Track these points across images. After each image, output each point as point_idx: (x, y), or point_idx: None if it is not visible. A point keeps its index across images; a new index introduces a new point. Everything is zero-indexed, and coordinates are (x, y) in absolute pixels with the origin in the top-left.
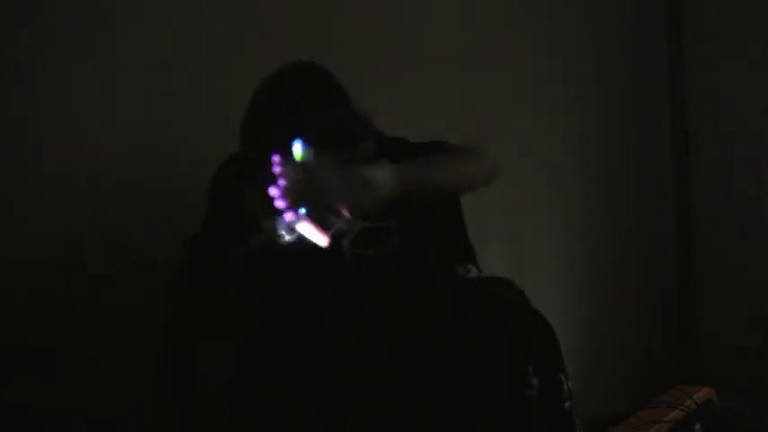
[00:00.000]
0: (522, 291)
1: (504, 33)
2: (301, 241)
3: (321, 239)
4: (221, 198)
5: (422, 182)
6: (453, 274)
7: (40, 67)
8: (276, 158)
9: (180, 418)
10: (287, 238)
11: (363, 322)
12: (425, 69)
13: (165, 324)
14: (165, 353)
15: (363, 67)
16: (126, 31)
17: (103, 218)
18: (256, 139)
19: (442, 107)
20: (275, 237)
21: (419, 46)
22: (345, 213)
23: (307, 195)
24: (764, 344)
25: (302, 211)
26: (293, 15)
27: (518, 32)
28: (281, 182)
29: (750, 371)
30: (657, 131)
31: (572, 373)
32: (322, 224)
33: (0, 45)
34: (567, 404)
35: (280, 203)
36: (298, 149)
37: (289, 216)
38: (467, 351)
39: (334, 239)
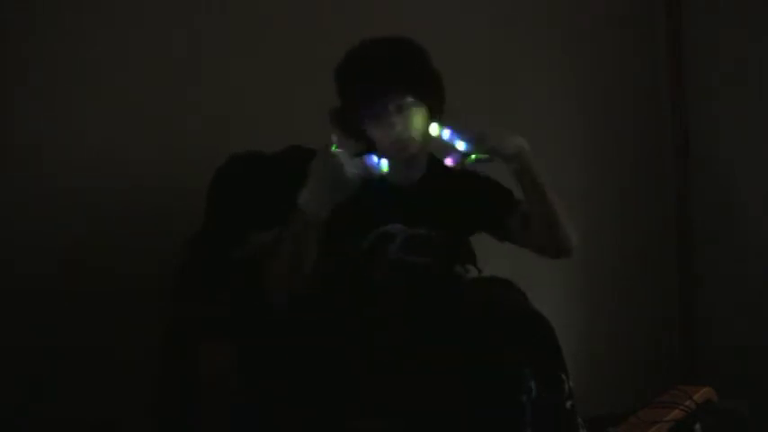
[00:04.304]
0: (523, 291)
1: (503, 33)
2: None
3: None
4: (229, 195)
5: (534, 174)
6: (453, 275)
7: (40, 66)
8: None
9: (180, 417)
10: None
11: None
12: None
13: (165, 324)
14: (165, 353)
15: None
16: (126, 31)
17: (104, 218)
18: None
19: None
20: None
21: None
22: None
23: None
24: (764, 344)
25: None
26: (293, 15)
27: (518, 32)
28: None
29: (750, 371)
30: (657, 131)
31: (572, 372)
32: None
33: (1, 45)
34: (568, 403)
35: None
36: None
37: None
38: (466, 354)
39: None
